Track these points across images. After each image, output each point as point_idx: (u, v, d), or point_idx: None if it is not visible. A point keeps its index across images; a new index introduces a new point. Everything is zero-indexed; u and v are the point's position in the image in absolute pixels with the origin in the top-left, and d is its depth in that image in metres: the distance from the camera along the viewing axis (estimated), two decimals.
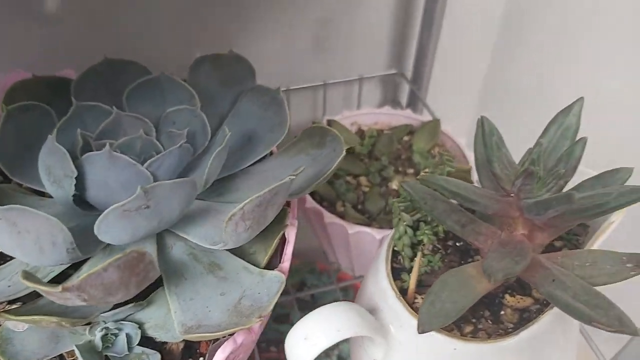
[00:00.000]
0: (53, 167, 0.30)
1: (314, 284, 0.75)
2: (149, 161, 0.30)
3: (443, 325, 0.28)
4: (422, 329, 0.28)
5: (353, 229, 0.43)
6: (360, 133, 0.56)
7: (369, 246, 0.44)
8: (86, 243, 0.29)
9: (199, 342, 0.31)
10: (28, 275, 0.23)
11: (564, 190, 0.31)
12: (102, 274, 0.23)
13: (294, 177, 0.28)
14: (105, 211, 0.26)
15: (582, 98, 0.28)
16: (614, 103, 0.56)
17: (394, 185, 0.49)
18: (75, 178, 0.30)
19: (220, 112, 0.39)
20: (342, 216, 0.45)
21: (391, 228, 0.42)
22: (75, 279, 0.22)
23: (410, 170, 0.50)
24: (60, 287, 0.22)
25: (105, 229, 0.27)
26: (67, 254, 0.27)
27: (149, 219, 0.27)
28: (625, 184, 0.30)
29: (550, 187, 0.25)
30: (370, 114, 0.56)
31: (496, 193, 0.28)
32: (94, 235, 0.29)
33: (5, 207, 0.25)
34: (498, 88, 0.69)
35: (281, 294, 0.66)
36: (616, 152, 0.53)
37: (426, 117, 0.55)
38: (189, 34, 0.54)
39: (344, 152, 0.35)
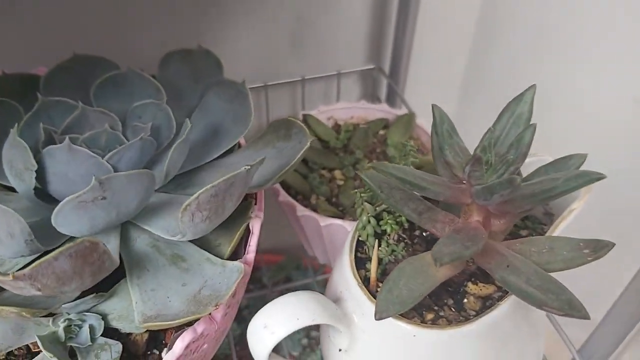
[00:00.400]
0: (14, 161, 0.30)
1: (299, 279, 0.75)
2: (109, 154, 0.31)
3: (400, 312, 0.28)
4: (379, 316, 0.28)
5: (325, 221, 0.44)
6: (337, 127, 0.56)
7: (341, 238, 0.44)
8: (48, 236, 0.29)
9: (164, 332, 0.31)
10: None
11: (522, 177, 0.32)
12: (52, 262, 0.23)
13: (249, 167, 0.28)
14: (62, 202, 0.26)
15: (534, 85, 0.28)
16: (590, 97, 0.56)
17: None
18: (37, 172, 0.30)
19: (189, 106, 0.40)
20: (315, 209, 0.46)
21: None
22: (23, 270, 0.23)
23: None
24: (11, 275, 0.22)
25: (63, 220, 0.27)
26: (27, 246, 0.27)
27: (106, 210, 0.28)
28: (580, 169, 0.30)
29: (501, 173, 0.26)
30: (346, 109, 0.56)
31: (450, 180, 0.28)
32: (56, 229, 0.29)
33: None
34: (476, 81, 0.69)
35: (261, 289, 0.66)
36: (598, 143, 0.54)
37: (403, 111, 0.56)
38: (165, 31, 0.54)
39: (309, 144, 0.35)
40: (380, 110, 0.56)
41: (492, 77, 0.67)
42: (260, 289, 0.68)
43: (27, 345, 0.31)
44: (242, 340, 0.67)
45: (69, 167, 0.30)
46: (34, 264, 0.23)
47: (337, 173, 0.50)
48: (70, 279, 0.25)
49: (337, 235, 0.45)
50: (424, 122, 0.53)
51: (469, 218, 0.29)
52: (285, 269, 0.73)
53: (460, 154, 0.28)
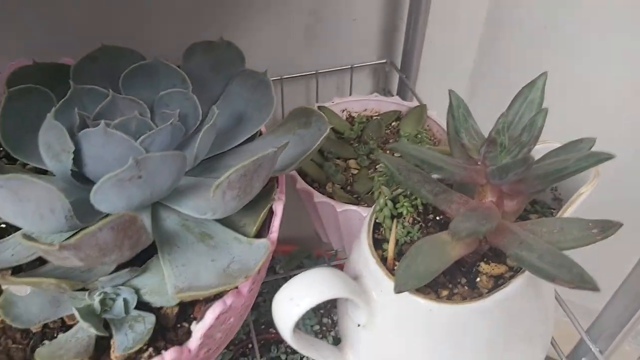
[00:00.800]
0: (52, 143, 0.32)
1: (311, 267, 0.77)
2: (141, 137, 0.32)
3: (417, 286, 0.30)
4: (398, 290, 0.30)
5: (341, 207, 0.45)
6: (351, 119, 0.58)
7: (357, 224, 0.46)
8: (85, 214, 0.31)
9: (193, 306, 0.33)
10: (27, 237, 0.25)
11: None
12: (97, 233, 0.25)
13: (277, 149, 0.30)
14: (101, 180, 0.28)
15: (545, 73, 0.30)
16: (596, 89, 0.58)
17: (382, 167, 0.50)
18: (73, 153, 0.32)
19: (212, 96, 0.41)
20: (331, 196, 0.47)
21: None
22: (70, 240, 0.24)
23: (398, 154, 0.52)
24: (57, 245, 0.24)
25: (101, 197, 0.29)
26: (66, 221, 0.29)
27: (142, 189, 0.29)
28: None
29: (514, 155, 0.27)
30: (360, 101, 0.58)
31: (465, 162, 0.29)
32: (92, 207, 0.31)
33: (6, 176, 0.27)
34: (486, 74, 0.70)
35: (274, 275, 0.68)
36: (604, 134, 0.55)
37: (415, 103, 0.57)
38: (184, 26, 0.56)
39: (328, 130, 0.36)
40: (393, 103, 0.57)
41: (500, 71, 0.68)
42: (273, 275, 0.69)
43: (62, 319, 0.33)
44: (256, 326, 0.69)
45: (104, 150, 0.32)
46: (78, 235, 0.24)
47: (352, 162, 0.52)
48: (111, 250, 0.26)
49: (352, 221, 0.46)
50: (435, 114, 0.55)
51: (483, 198, 0.30)
52: (297, 258, 0.75)
53: (475, 137, 0.29)
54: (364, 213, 0.45)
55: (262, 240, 0.32)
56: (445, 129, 0.53)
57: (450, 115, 0.29)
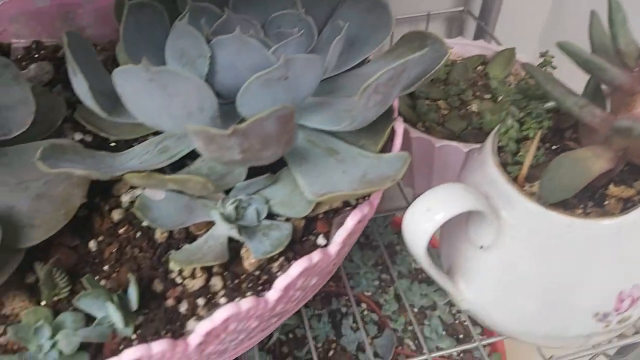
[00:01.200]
0: (186, 49, 0.31)
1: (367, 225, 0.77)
2: (273, 47, 0.32)
3: (564, 197, 0.30)
4: (544, 201, 0.29)
5: (439, 142, 0.45)
6: None
7: (453, 160, 0.45)
8: (224, 118, 0.30)
9: (316, 222, 0.33)
10: (190, 125, 0.25)
11: None
12: (264, 121, 0.24)
13: (422, 53, 0.29)
14: (250, 79, 0.28)
15: None
16: None
17: (474, 107, 0.50)
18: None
19: (318, 22, 0.40)
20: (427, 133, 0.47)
21: (476, 143, 0.43)
22: (242, 125, 0.24)
23: (488, 96, 0.51)
24: (232, 129, 0.24)
25: (248, 98, 0.29)
26: (211, 121, 0.28)
27: (286, 91, 0.29)
28: None
29: None
30: None
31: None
32: (232, 112, 0.30)
33: (157, 68, 0.26)
34: (562, 23, 0.69)
35: None
36: None
37: (500, 48, 0.56)
38: None
39: (450, 53, 0.36)
40: (478, 47, 0.56)
41: (578, 18, 0.67)
42: None
43: (187, 229, 0.33)
44: None
45: (238, 57, 0.31)
46: (251, 120, 0.24)
47: (441, 103, 0.51)
48: (269, 143, 0.26)
49: (449, 157, 0.46)
50: (523, 57, 0.54)
51: (632, 110, 0.29)
52: None
53: (631, 45, 0.28)
54: (464, 148, 0.44)
55: (393, 154, 0.32)
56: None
57: (608, 20, 0.28)
